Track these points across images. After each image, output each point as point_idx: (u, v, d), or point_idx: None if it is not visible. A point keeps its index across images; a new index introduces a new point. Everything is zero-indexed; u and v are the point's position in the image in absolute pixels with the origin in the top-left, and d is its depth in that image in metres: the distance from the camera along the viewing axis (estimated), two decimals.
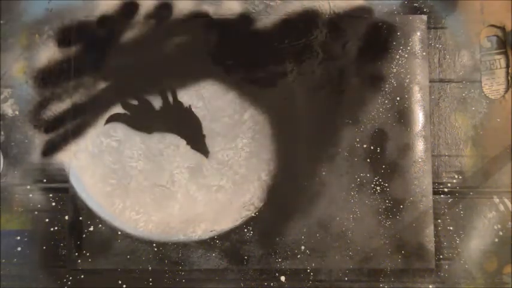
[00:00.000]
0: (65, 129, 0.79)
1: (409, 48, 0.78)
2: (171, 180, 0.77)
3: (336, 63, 0.78)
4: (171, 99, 0.78)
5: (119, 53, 0.78)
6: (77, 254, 0.77)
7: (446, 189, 0.77)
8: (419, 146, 0.77)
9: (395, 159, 0.77)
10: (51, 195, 0.78)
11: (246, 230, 0.77)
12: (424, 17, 0.79)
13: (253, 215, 0.77)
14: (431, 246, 0.76)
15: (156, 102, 0.78)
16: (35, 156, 0.78)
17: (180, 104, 0.78)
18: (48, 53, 0.79)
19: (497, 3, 0.79)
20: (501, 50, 0.79)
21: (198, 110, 0.78)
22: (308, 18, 0.79)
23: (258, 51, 0.79)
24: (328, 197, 0.77)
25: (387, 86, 0.78)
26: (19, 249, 0.77)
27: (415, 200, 0.77)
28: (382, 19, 0.79)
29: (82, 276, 0.77)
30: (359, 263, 0.76)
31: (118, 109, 0.78)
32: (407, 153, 0.77)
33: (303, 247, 0.76)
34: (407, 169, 0.77)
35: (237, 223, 0.77)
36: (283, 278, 0.76)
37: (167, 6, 0.79)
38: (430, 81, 0.78)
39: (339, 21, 0.79)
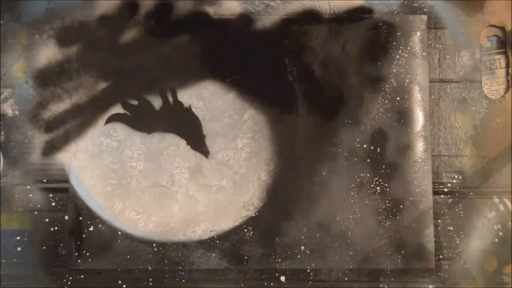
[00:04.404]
0: (65, 129, 0.79)
1: (409, 48, 0.78)
2: (171, 180, 0.77)
3: (336, 63, 0.78)
4: (171, 99, 0.78)
5: (119, 53, 0.78)
6: (77, 254, 0.77)
7: (446, 189, 0.77)
8: (419, 146, 0.77)
9: (395, 159, 0.77)
10: (51, 195, 0.78)
11: (246, 230, 0.77)
12: (424, 17, 0.79)
13: (253, 215, 0.77)
14: (431, 246, 0.76)
15: (156, 102, 0.78)
16: (35, 156, 0.78)
17: (180, 104, 0.78)
18: (48, 53, 0.79)
19: (497, 3, 0.79)
20: (501, 50, 0.79)
21: (198, 110, 0.78)
22: (308, 18, 0.79)
23: (258, 51, 0.79)
24: (328, 197, 0.77)
25: (387, 86, 0.78)
26: (19, 249, 0.77)
27: (415, 200, 0.77)
28: (382, 19, 0.79)
29: (82, 276, 0.77)
30: (359, 263, 0.76)
31: (118, 109, 0.78)
32: (407, 153, 0.77)
33: (303, 247, 0.76)
34: (407, 169, 0.77)
35: (237, 223, 0.77)
36: (283, 278, 0.76)
37: (167, 6, 0.79)
38: (430, 81, 0.78)
39: (339, 21, 0.79)
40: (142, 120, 0.78)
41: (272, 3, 0.79)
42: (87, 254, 0.77)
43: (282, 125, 0.78)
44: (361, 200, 0.77)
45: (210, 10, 0.79)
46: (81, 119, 0.79)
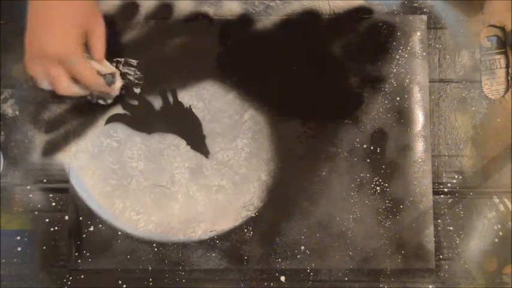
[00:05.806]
0: (65, 130, 0.79)
1: (409, 48, 0.78)
2: (171, 180, 0.77)
3: (336, 63, 0.78)
4: (171, 99, 0.78)
5: (119, 54, 0.78)
6: (77, 254, 0.77)
7: (446, 189, 0.77)
8: (419, 146, 0.77)
9: (396, 159, 0.77)
10: (51, 195, 0.78)
11: (246, 230, 0.77)
12: (424, 17, 0.79)
13: (253, 215, 0.77)
14: (431, 246, 0.76)
15: (157, 103, 0.78)
16: (35, 156, 0.78)
17: (181, 104, 0.78)
18: None
19: (497, 3, 0.79)
20: (501, 50, 0.79)
21: (198, 111, 0.78)
22: (308, 19, 0.79)
23: (258, 51, 0.79)
24: (328, 197, 0.77)
25: (387, 86, 0.78)
26: (19, 249, 0.77)
27: (415, 200, 0.77)
28: (382, 19, 0.79)
29: (82, 276, 0.77)
30: (359, 263, 0.76)
31: (118, 109, 0.79)
32: (407, 153, 0.77)
33: (303, 247, 0.76)
34: (407, 169, 0.77)
35: (237, 223, 0.77)
36: (283, 278, 0.76)
37: (167, 6, 0.80)
38: (430, 81, 0.78)
39: (339, 21, 0.79)
40: (142, 121, 0.78)
41: (272, 3, 0.80)
42: (87, 254, 0.77)
43: (282, 125, 0.78)
44: (361, 200, 0.77)
45: (210, 11, 0.79)
46: (81, 119, 0.79)
